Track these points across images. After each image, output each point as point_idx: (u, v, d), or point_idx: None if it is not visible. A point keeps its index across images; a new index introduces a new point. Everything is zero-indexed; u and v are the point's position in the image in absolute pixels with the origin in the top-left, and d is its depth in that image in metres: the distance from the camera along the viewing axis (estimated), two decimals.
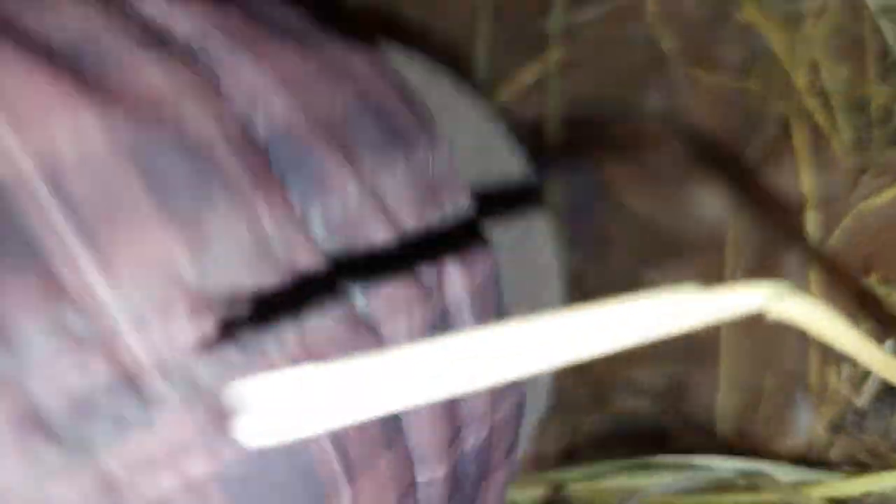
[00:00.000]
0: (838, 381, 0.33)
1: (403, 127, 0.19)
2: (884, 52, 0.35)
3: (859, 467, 0.30)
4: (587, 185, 0.42)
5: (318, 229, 0.16)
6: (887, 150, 0.36)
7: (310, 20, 0.20)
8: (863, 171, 0.36)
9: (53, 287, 0.12)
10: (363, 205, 0.17)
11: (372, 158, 0.18)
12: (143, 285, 0.13)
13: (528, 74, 0.41)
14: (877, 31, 0.36)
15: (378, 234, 0.18)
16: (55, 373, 0.12)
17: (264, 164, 0.16)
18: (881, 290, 0.33)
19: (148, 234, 0.13)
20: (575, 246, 0.42)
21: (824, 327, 0.14)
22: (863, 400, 0.31)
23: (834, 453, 0.32)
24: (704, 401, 0.38)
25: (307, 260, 0.16)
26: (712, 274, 0.40)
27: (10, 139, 0.13)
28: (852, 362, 0.33)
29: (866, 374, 0.33)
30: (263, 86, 0.17)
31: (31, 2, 0.14)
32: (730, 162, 0.40)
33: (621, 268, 0.42)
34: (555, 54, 0.40)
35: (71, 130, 0.13)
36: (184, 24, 0.17)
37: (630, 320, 0.11)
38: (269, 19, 0.18)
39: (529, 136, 0.42)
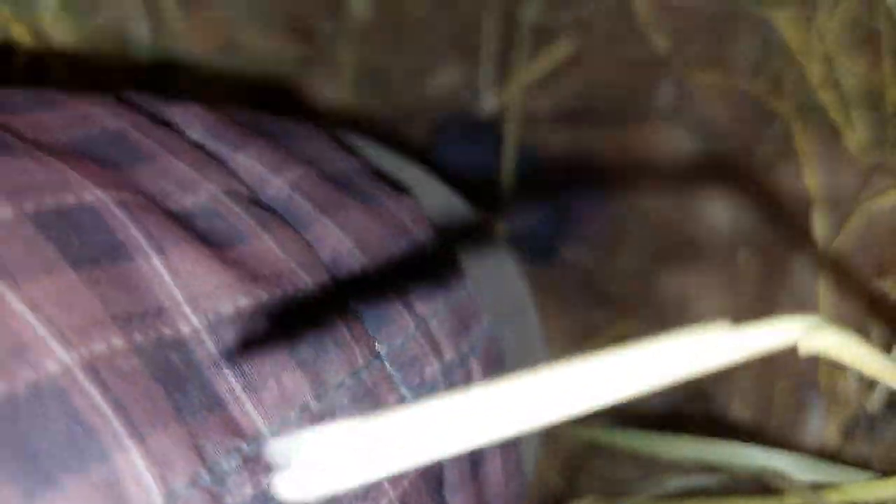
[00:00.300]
0: (849, 385, 0.32)
1: (442, 268, 0.23)
2: None
3: (873, 471, 0.30)
4: (598, 183, 0.42)
5: (389, 367, 0.20)
6: None
7: (367, 172, 0.24)
8: (880, 169, 0.35)
9: (231, 424, 0.16)
10: (418, 342, 0.21)
11: (421, 300, 0.22)
12: (284, 417, 0.17)
13: (534, 70, 0.40)
14: (894, 24, 0.36)
15: (429, 368, 0.21)
16: (238, 483, 0.16)
17: (357, 317, 0.20)
18: (894, 292, 0.33)
19: (285, 377, 0.17)
20: (587, 245, 0.41)
21: (856, 357, 0.14)
22: (874, 405, 0.31)
23: (845, 457, 0.32)
24: (718, 403, 0.38)
25: (390, 396, 0.20)
26: (724, 275, 0.39)
27: (186, 307, 0.17)
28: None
29: (871, 385, 0.32)
30: (344, 247, 0.21)
31: (175, 185, 0.19)
32: (741, 160, 0.40)
33: (633, 267, 0.41)
34: (558, 50, 0.40)
35: (228, 299, 0.17)
36: (281, 189, 0.21)
37: (663, 361, 0.11)
38: (341, 179, 0.23)
39: (536, 133, 0.42)
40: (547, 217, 0.42)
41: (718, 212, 0.40)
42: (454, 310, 0.23)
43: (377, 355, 0.20)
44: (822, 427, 0.33)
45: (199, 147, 0.21)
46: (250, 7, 0.37)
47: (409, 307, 0.21)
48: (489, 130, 0.42)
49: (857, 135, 0.36)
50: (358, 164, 0.24)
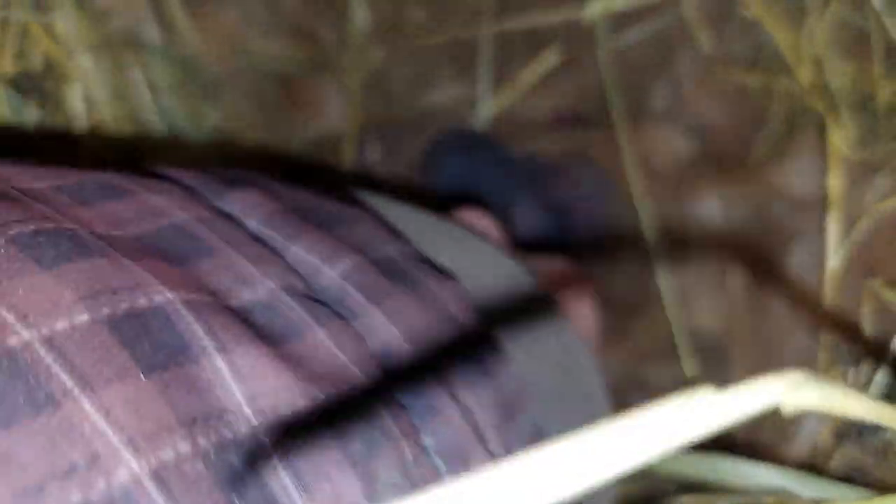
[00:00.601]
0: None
1: (487, 356, 0.23)
2: (890, 48, 0.35)
3: (862, 475, 0.30)
4: (596, 183, 0.42)
5: (436, 459, 0.21)
6: (893, 146, 0.36)
7: (411, 255, 0.25)
8: (871, 169, 0.35)
9: None
10: (464, 433, 0.22)
11: (467, 389, 0.22)
12: None
13: (530, 73, 0.40)
14: (882, 26, 0.36)
15: (475, 459, 0.22)
16: None
17: (404, 410, 0.20)
18: (889, 295, 0.33)
19: (335, 475, 0.18)
20: (585, 241, 0.42)
21: (841, 406, 0.14)
22: None
23: (836, 461, 0.33)
24: None
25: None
26: (718, 274, 0.40)
27: (246, 408, 0.17)
28: (858, 368, 0.33)
29: (869, 381, 0.33)
30: (393, 338, 0.22)
31: (236, 280, 0.20)
32: (736, 160, 0.40)
33: (630, 268, 0.42)
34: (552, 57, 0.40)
35: (286, 399, 0.18)
36: (333, 279, 0.22)
37: (649, 430, 0.12)
38: (388, 265, 0.23)
39: (535, 134, 0.42)
40: (546, 221, 0.42)
41: (712, 211, 0.40)
42: (499, 399, 0.23)
43: (424, 449, 0.20)
44: (815, 433, 0.34)
45: (257, 239, 0.22)
46: (256, 13, 0.38)
47: (454, 397, 0.22)
48: (486, 141, 0.42)
49: (848, 134, 0.36)
50: (403, 248, 0.25)
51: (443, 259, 0.26)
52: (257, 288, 0.20)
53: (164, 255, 0.19)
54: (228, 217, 0.22)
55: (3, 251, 0.17)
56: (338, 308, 0.21)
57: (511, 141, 0.42)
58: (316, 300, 0.21)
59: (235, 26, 0.37)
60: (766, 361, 0.38)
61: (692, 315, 0.40)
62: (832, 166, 0.36)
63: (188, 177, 0.24)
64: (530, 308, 0.28)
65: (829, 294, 0.36)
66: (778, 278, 0.38)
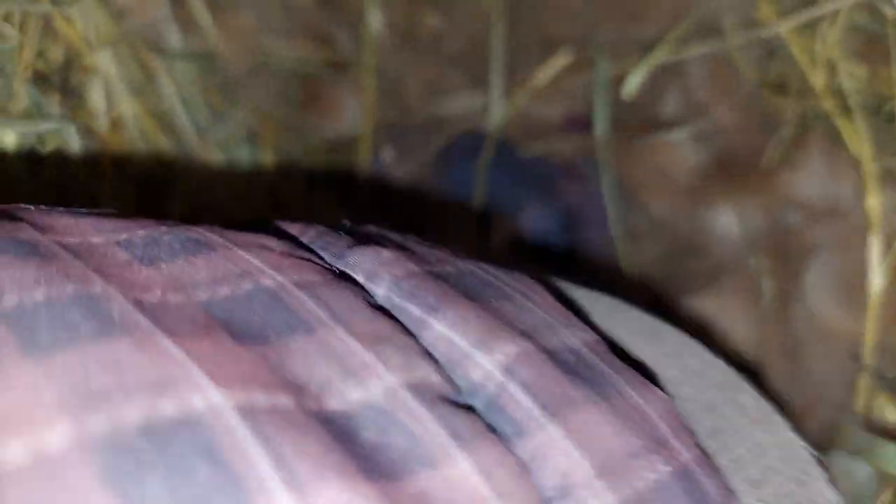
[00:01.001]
0: (887, 415, 0.32)
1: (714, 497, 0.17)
2: None
3: None
4: (612, 185, 0.42)
5: None
6: None
7: (602, 348, 0.18)
8: (887, 174, 0.35)
9: None
10: None
11: None
12: None
13: (542, 76, 0.41)
14: None
15: None
16: None
17: None
18: None
19: None
20: (598, 253, 0.42)
21: None
22: None
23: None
24: None
25: None
26: (738, 285, 0.40)
27: None
28: None
29: None
30: (578, 471, 0.15)
31: (338, 371, 0.14)
32: (749, 165, 0.40)
33: (651, 265, 0.42)
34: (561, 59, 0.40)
35: None
36: (489, 374, 0.16)
37: None
38: (569, 360, 0.17)
39: (547, 137, 0.42)
40: (557, 225, 0.42)
41: (728, 220, 0.40)
42: None
43: None
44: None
45: (381, 310, 0.16)
46: (274, 15, 0.38)
47: None
48: (498, 144, 0.42)
49: (861, 138, 0.36)
50: (588, 336, 0.19)
51: (640, 354, 0.20)
52: (370, 385, 0.14)
53: (235, 330, 0.14)
54: (347, 281, 0.17)
55: None
56: (493, 418, 0.15)
57: (523, 144, 0.42)
58: (459, 405, 0.15)
59: (254, 27, 0.38)
60: (802, 385, 0.37)
61: (721, 337, 0.39)
62: (865, 183, 0.36)
63: (301, 229, 0.19)
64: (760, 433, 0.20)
65: (871, 314, 0.35)
66: (804, 294, 0.38)
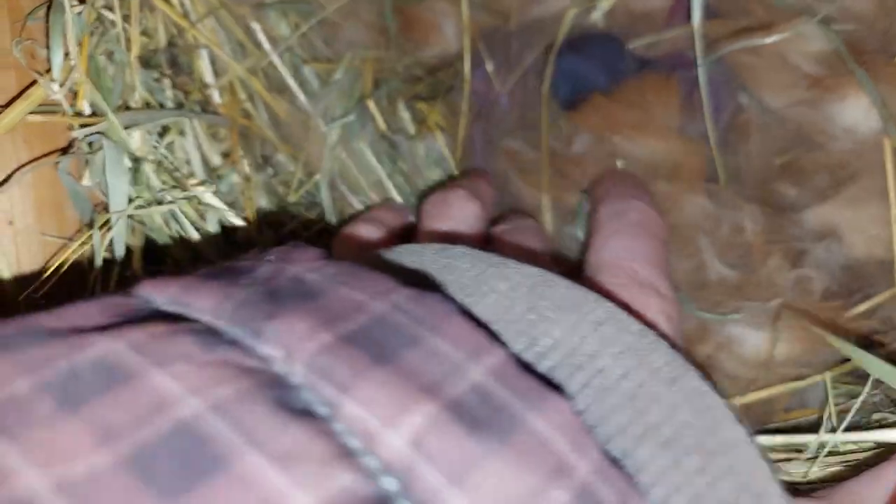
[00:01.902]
0: None
1: None
2: None
3: None
4: (722, 73, 0.40)
5: None
6: None
7: (509, 371, 0.18)
8: None
9: None
10: None
11: None
12: None
13: None
14: None
15: None
16: None
17: None
18: None
19: None
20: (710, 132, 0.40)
21: None
22: None
23: None
24: None
25: None
26: (843, 170, 0.37)
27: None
28: None
29: None
30: None
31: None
32: (879, 56, 0.36)
33: (755, 159, 0.40)
34: None
35: None
36: (394, 450, 0.16)
37: None
38: (477, 407, 0.17)
39: (652, 29, 0.40)
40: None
41: (856, 113, 0.37)
42: None
43: None
44: None
45: (296, 412, 0.17)
46: None
47: None
48: (603, 39, 0.41)
49: None
50: (497, 360, 0.18)
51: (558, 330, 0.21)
52: None
53: (160, 486, 0.15)
54: (262, 384, 0.17)
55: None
56: (408, 498, 0.16)
57: (627, 37, 0.41)
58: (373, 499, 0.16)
59: None
60: None
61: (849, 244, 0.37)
62: None
63: (219, 303, 0.19)
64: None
65: None
66: None
